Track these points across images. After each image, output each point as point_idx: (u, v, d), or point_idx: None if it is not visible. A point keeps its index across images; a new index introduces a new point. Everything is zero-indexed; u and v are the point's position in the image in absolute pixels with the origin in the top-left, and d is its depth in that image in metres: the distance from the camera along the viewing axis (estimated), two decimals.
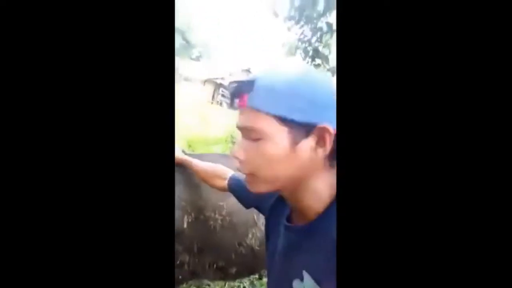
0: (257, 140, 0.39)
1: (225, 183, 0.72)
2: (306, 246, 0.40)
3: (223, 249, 0.94)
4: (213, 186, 0.80)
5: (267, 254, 0.51)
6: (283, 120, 0.38)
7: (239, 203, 0.69)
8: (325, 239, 0.37)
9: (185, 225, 0.88)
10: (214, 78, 8.74)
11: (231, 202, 0.91)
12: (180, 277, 0.93)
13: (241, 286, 1.57)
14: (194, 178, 0.92)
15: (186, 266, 0.91)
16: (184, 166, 0.89)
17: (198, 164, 0.85)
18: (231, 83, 0.43)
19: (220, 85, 8.64)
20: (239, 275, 1.06)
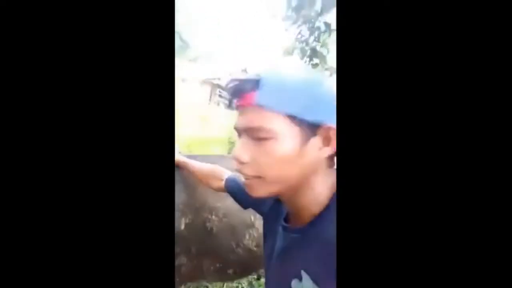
0: (263, 140, 0.38)
1: (222, 183, 0.72)
2: (305, 247, 0.40)
3: (221, 250, 0.94)
4: (210, 187, 0.79)
5: (265, 254, 0.51)
6: (293, 119, 0.37)
7: (236, 204, 0.69)
8: (323, 240, 0.37)
9: (182, 227, 0.88)
10: (211, 79, 8.74)
11: (228, 203, 0.91)
12: (177, 279, 0.92)
13: (240, 287, 1.56)
14: (190, 180, 0.92)
15: (184, 268, 0.91)
16: (181, 168, 0.89)
17: (195, 165, 0.85)
18: (232, 81, 0.41)
19: (217, 85, 8.64)
20: (237, 276, 1.06)
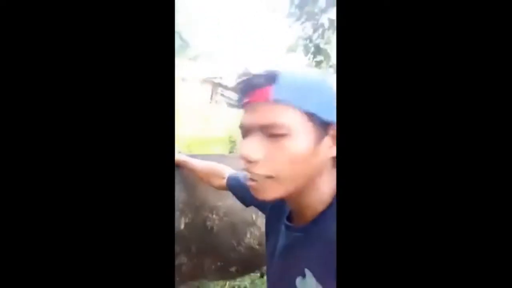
0: (278, 136, 0.36)
1: (223, 182, 0.72)
2: (307, 245, 0.40)
3: (222, 249, 0.94)
4: (211, 185, 0.79)
5: (267, 253, 0.50)
6: (310, 116, 0.37)
7: (237, 203, 0.68)
8: (326, 238, 0.37)
9: (182, 226, 0.88)
10: (212, 78, 8.77)
11: (229, 202, 0.91)
12: (177, 278, 0.91)
13: (242, 285, 1.56)
14: (190, 179, 0.91)
15: (184, 267, 0.91)
16: (181, 166, 0.89)
17: (196, 163, 0.85)
18: (245, 75, 0.39)
19: (219, 84, 8.66)
20: (238, 274, 1.06)
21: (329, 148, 0.39)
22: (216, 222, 0.91)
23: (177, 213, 0.87)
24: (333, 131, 0.38)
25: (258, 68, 0.40)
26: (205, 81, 8.76)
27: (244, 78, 0.39)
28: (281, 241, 0.45)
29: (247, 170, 0.39)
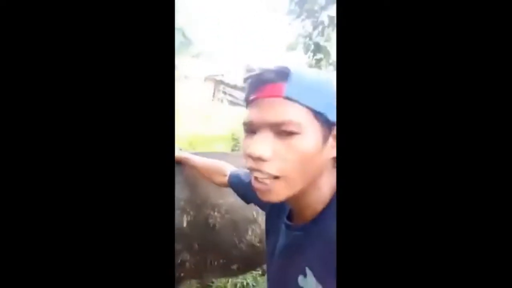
0: (289, 134, 0.35)
1: (225, 179, 0.72)
2: (307, 245, 0.40)
3: (223, 247, 0.94)
4: (213, 182, 0.80)
5: (267, 251, 0.51)
6: (320, 116, 0.37)
7: (238, 201, 0.69)
8: (325, 238, 0.37)
9: (184, 224, 0.88)
10: (214, 75, 8.74)
11: (230, 200, 0.92)
12: (182, 274, 0.93)
13: (244, 282, 1.57)
14: (192, 178, 0.92)
15: (187, 265, 0.91)
16: (183, 163, 0.89)
17: (198, 160, 0.85)
18: (256, 70, 0.38)
19: (221, 82, 8.63)
20: (240, 272, 1.06)
21: (331, 148, 0.38)
22: (218, 219, 0.92)
23: (179, 211, 0.88)
24: (335, 131, 0.38)
25: (260, 66, 0.39)
26: (207, 78, 8.73)
27: (254, 72, 0.38)
28: (281, 240, 0.45)
29: (254, 168, 0.37)
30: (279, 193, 0.38)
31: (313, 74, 0.39)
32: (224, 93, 8.24)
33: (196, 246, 0.91)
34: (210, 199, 0.93)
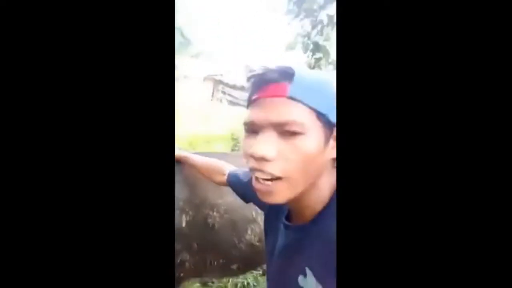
0: (293, 134, 0.35)
1: (224, 178, 0.72)
2: (307, 245, 0.40)
3: (223, 246, 0.94)
4: (212, 181, 0.80)
5: (266, 250, 0.51)
6: (322, 117, 0.37)
7: (237, 200, 0.69)
8: (325, 238, 0.37)
9: (183, 224, 0.88)
10: (213, 75, 8.74)
11: (229, 199, 0.92)
12: (181, 274, 0.93)
13: (245, 282, 1.57)
14: (191, 178, 0.92)
15: (187, 265, 0.91)
16: (182, 162, 0.90)
17: (197, 159, 0.85)
18: (253, 69, 0.38)
19: (220, 81, 8.63)
20: (240, 271, 1.06)
21: (332, 149, 0.38)
22: (217, 219, 0.92)
23: (178, 211, 0.88)
24: (335, 132, 0.38)
25: (260, 66, 0.39)
26: (207, 78, 8.73)
27: (258, 72, 0.38)
28: (280, 240, 0.45)
29: (256, 168, 0.37)
30: (280, 194, 0.37)
31: (316, 75, 0.38)
32: (223, 93, 8.23)
33: (196, 246, 0.91)
34: (209, 199, 0.93)
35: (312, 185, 0.39)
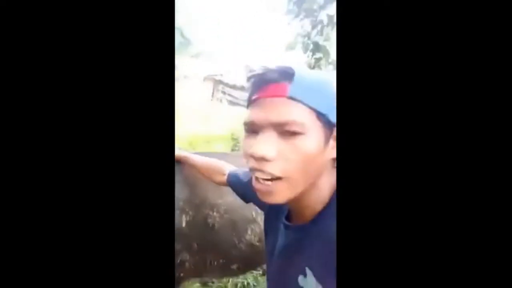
0: (293, 134, 0.35)
1: (224, 178, 0.72)
2: (307, 245, 0.40)
3: (223, 246, 0.94)
4: (212, 181, 0.80)
5: (266, 250, 0.51)
6: (322, 117, 0.37)
7: (237, 201, 0.69)
8: (325, 238, 0.37)
9: (183, 224, 0.88)
10: (213, 75, 8.74)
11: (229, 199, 0.92)
12: (181, 274, 0.93)
13: (245, 282, 1.57)
14: (191, 178, 0.92)
15: (187, 265, 0.91)
16: (182, 162, 0.90)
17: (197, 159, 0.86)
18: (253, 69, 0.38)
19: (220, 81, 8.63)
20: (241, 271, 1.06)
21: (332, 149, 0.38)
22: (217, 219, 0.92)
23: (178, 211, 0.88)
24: (335, 132, 0.38)
25: (260, 66, 0.39)
26: (206, 78, 8.73)
27: (258, 72, 0.38)
28: (280, 240, 0.45)
29: (256, 168, 0.37)
30: (280, 195, 0.37)
31: (316, 75, 0.39)
32: (223, 93, 8.23)
33: (196, 246, 0.91)
34: (209, 199, 0.93)
35: (312, 185, 0.39)
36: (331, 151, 0.39)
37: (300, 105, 0.36)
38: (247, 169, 0.48)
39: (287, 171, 0.36)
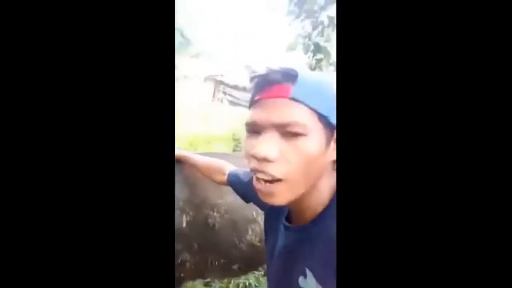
0: (295, 135, 0.35)
1: (224, 178, 0.72)
2: (307, 246, 0.40)
3: (224, 247, 0.94)
4: (212, 181, 0.80)
5: (266, 251, 0.51)
6: (324, 119, 0.37)
7: (237, 200, 0.69)
8: (325, 238, 0.37)
9: (184, 224, 0.88)
10: (214, 75, 8.75)
11: (229, 199, 0.92)
12: (182, 275, 0.93)
13: (247, 283, 1.57)
14: (191, 177, 0.92)
15: (187, 265, 0.91)
16: (183, 162, 0.90)
17: (198, 158, 0.86)
18: (256, 70, 0.39)
19: (221, 82, 8.64)
20: (242, 272, 1.06)
21: (332, 151, 0.39)
22: (218, 219, 0.92)
23: (178, 211, 0.88)
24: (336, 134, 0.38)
25: (262, 66, 0.39)
26: (207, 78, 8.74)
27: (261, 73, 0.38)
28: (281, 241, 0.45)
29: (257, 169, 0.37)
30: (281, 196, 0.37)
31: (319, 77, 0.39)
32: (224, 93, 8.24)
33: (196, 246, 0.91)
34: (209, 199, 0.93)
35: (313, 187, 0.39)
36: (332, 153, 0.39)
37: (302, 106, 0.36)
38: (247, 169, 0.48)
39: (289, 173, 0.36)
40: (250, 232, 0.95)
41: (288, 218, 0.47)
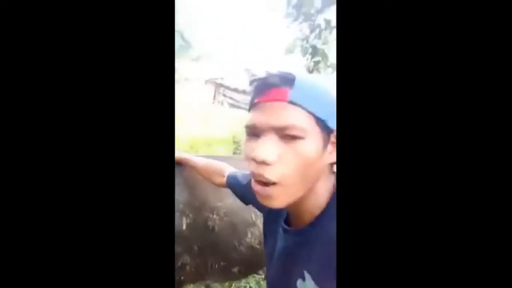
0: (293, 138, 0.36)
1: (223, 180, 0.73)
2: (306, 248, 0.40)
3: (223, 249, 0.94)
4: (211, 182, 0.80)
5: (266, 254, 0.51)
6: (321, 122, 0.37)
7: (236, 203, 0.70)
8: (323, 241, 0.37)
9: (184, 227, 0.88)
10: (214, 78, 8.76)
11: (229, 202, 0.92)
12: (182, 278, 0.93)
13: (248, 286, 1.56)
14: (191, 179, 0.92)
15: (187, 268, 0.91)
16: (183, 164, 0.90)
17: (197, 160, 0.86)
18: (255, 74, 0.39)
19: (221, 84, 8.64)
20: (242, 275, 1.06)
21: (330, 154, 0.39)
22: (217, 222, 0.92)
23: (178, 214, 0.88)
24: (334, 137, 0.39)
25: (260, 69, 0.41)
26: (208, 81, 8.75)
27: (260, 76, 0.39)
28: (280, 244, 0.46)
29: (256, 172, 0.37)
30: (279, 199, 0.38)
31: (316, 81, 0.39)
32: (224, 95, 8.24)
33: (196, 249, 0.91)
34: (209, 201, 0.93)
35: (310, 189, 0.40)
36: (329, 156, 0.39)
37: (300, 109, 0.36)
38: (246, 172, 0.48)
39: (287, 176, 0.37)
40: (249, 235, 0.95)
41: (287, 221, 0.47)
